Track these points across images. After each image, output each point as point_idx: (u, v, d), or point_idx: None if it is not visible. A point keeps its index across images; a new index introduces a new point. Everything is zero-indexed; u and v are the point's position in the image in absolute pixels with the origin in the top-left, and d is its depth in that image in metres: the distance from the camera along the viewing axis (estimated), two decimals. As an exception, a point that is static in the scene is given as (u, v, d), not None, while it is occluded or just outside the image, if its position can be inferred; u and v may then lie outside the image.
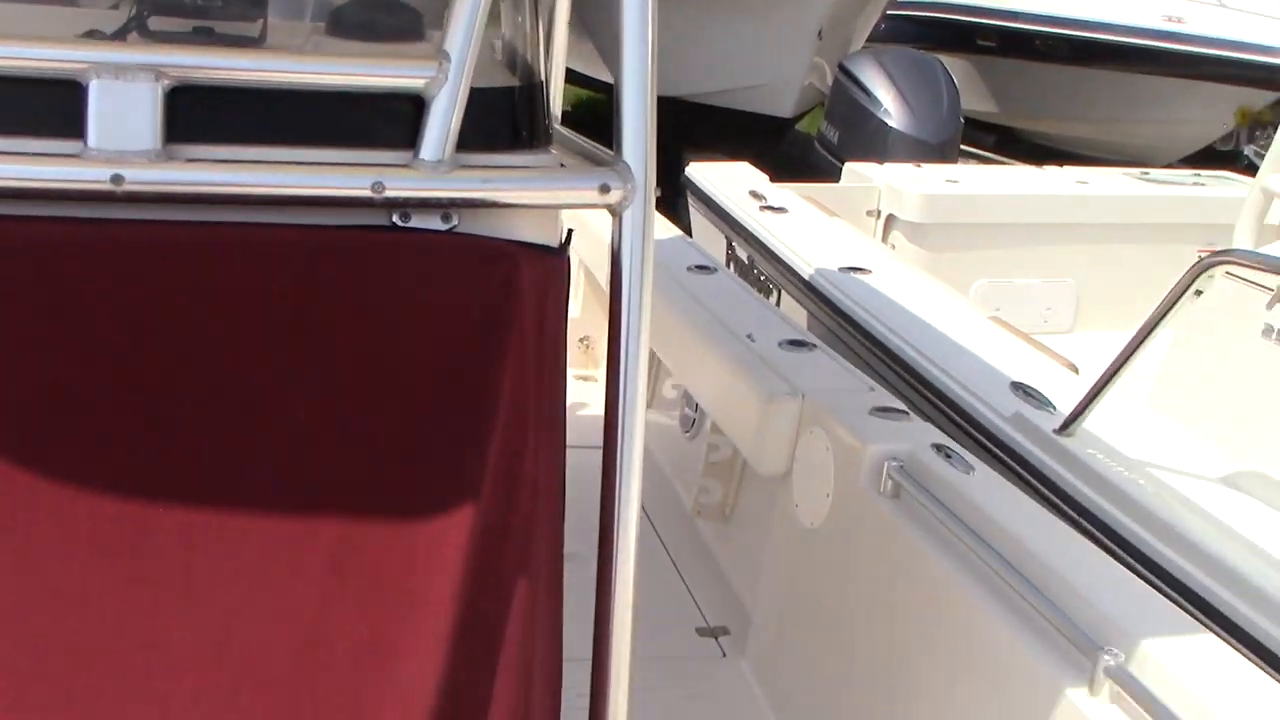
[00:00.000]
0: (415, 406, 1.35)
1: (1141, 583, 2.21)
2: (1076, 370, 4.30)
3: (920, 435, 2.92)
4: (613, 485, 1.63)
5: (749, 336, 3.61)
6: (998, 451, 3.48)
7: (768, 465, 3.30)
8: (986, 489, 2.62)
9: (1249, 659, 2.03)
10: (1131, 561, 2.77)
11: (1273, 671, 2.08)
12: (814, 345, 3.60)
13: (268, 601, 1.29)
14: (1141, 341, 3.29)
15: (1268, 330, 3.30)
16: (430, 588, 1.34)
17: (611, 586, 1.64)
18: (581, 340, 5.17)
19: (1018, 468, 3.33)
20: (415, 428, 1.35)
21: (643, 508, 4.49)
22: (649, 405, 5.00)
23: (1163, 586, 2.64)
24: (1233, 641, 2.07)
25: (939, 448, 2.82)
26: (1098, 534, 2.94)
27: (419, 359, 1.36)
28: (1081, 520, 2.98)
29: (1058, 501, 3.08)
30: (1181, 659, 1.94)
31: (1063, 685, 2.01)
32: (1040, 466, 3.25)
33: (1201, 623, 2.11)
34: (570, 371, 5.06)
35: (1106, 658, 1.94)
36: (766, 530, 3.45)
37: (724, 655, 3.52)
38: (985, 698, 2.25)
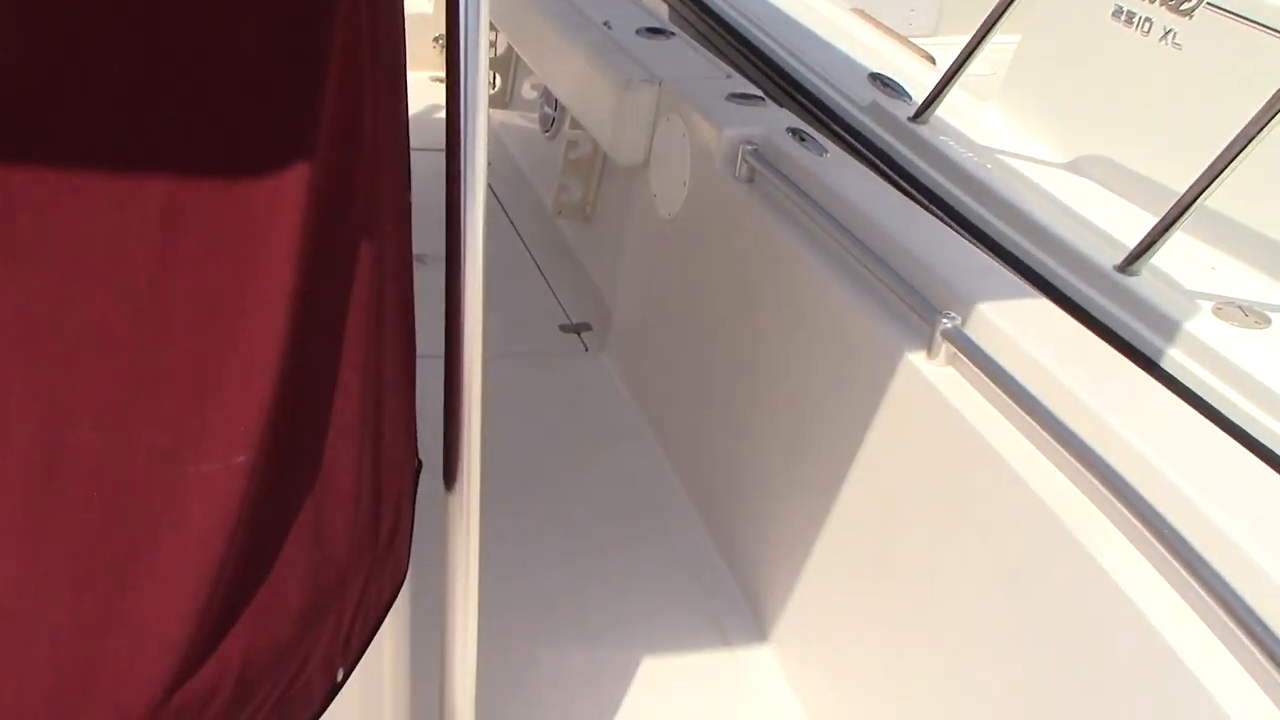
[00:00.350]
0: (246, 57, 1.28)
1: (982, 254, 2.29)
2: (934, 63, 4.31)
3: (776, 120, 2.91)
4: (458, 177, 1.60)
5: (605, 24, 3.50)
6: (852, 140, 3.51)
7: (625, 155, 3.28)
8: (839, 171, 2.65)
9: (1079, 322, 2.14)
10: (974, 240, 2.86)
11: (1098, 331, 2.20)
12: (672, 33, 3.53)
13: (97, 264, 1.25)
14: (992, 25, 3.29)
15: (1117, 12, 3.33)
16: (270, 249, 1.31)
17: (461, 284, 1.64)
18: (436, 40, 4.98)
19: (871, 155, 3.37)
20: (246, 79, 1.28)
21: (503, 210, 4.47)
22: (507, 105, 4.89)
23: (1003, 261, 2.74)
24: (1067, 308, 2.17)
25: (794, 132, 2.83)
26: (944, 216, 3.01)
27: (249, 7, 1.28)
28: (930, 204, 3.05)
29: (907, 186, 3.14)
30: (1016, 321, 2.03)
31: (903, 351, 2.10)
32: (892, 153, 3.29)
33: (1039, 291, 2.21)
34: (425, 73, 4.90)
35: (944, 321, 2.02)
36: (626, 225, 3.47)
37: (586, 350, 3.59)
38: (832, 366, 2.34)
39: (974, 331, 2.05)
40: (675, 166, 3.06)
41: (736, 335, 2.77)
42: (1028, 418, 1.86)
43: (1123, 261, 2.57)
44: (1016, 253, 2.72)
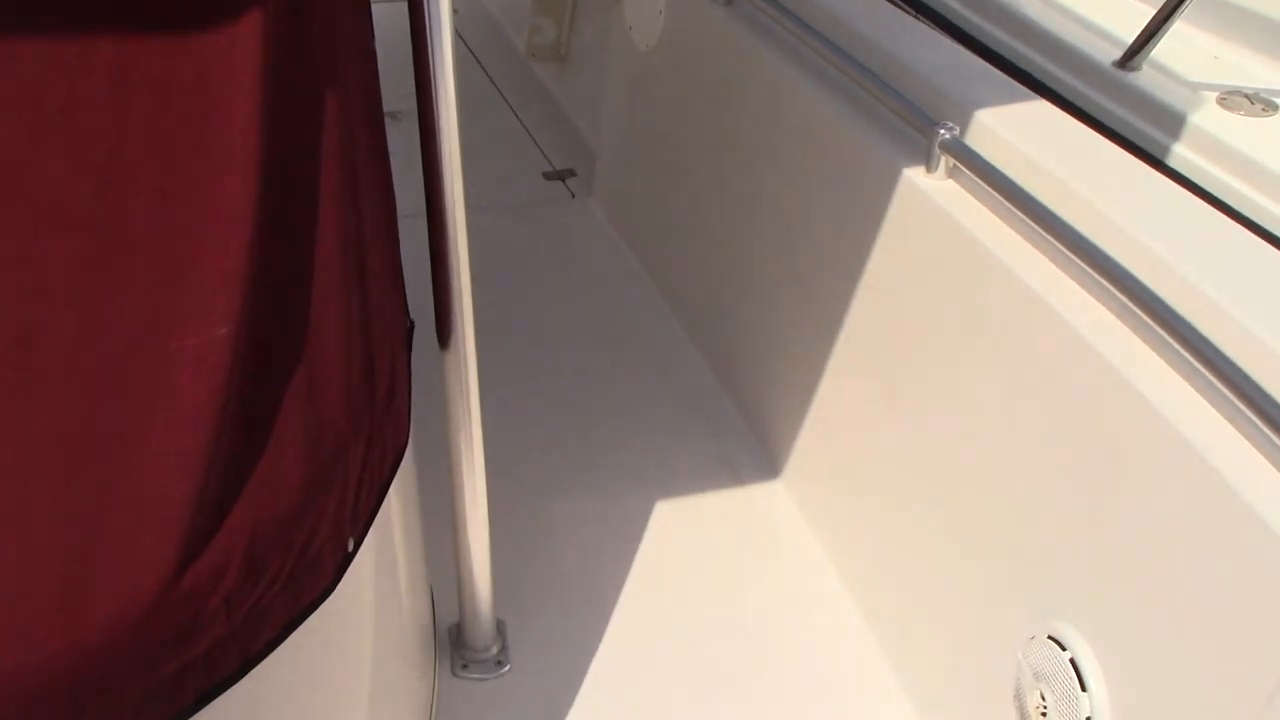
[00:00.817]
0: None
1: (977, 60, 2.19)
2: None
3: None
4: (423, 25, 1.51)
5: None
6: None
7: None
8: None
9: (1082, 124, 2.05)
10: (968, 46, 2.74)
11: (1102, 132, 2.12)
12: None
13: (49, 136, 1.17)
14: None
15: None
16: (230, 103, 1.23)
17: (436, 136, 1.58)
18: None
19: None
20: None
21: (474, 56, 4.32)
22: None
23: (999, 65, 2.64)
24: (1068, 110, 2.08)
25: None
26: (935, 24, 2.89)
27: None
28: (919, 12, 2.92)
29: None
30: (1016, 126, 1.94)
31: (901, 167, 2.02)
32: None
33: (1037, 94, 2.11)
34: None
35: (942, 132, 1.94)
36: (603, 63, 3.34)
37: (572, 196, 3.51)
38: (829, 191, 2.27)
39: (973, 140, 1.97)
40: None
41: (727, 168, 2.69)
42: (1034, 225, 1.80)
43: (1122, 57, 2.46)
44: (1012, 58, 2.61)
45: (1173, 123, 2.34)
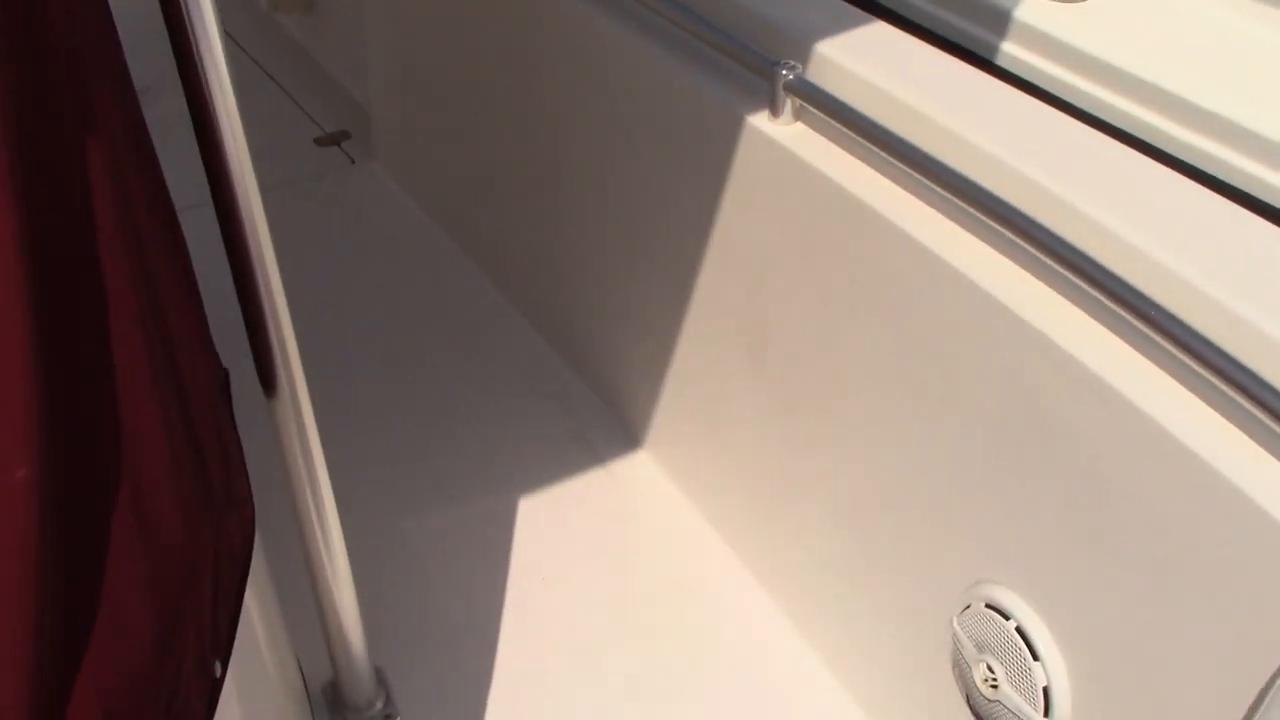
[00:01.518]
0: None
1: None
2: None
3: None
4: None
5: None
6: None
7: None
8: None
9: (930, 45, 1.92)
10: None
11: (940, 45, 1.99)
12: None
13: None
14: None
15: None
16: None
17: (213, 116, 1.34)
18: None
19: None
20: None
21: (219, 22, 3.87)
22: None
23: None
24: (915, 32, 1.94)
25: None
26: None
27: None
28: None
29: None
30: (860, 56, 1.79)
31: (742, 114, 1.85)
32: None
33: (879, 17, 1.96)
34: None
35: (784, 73, 1.77)
36: (359, 6, 3.02)
37: (353, 162, 3.20)
38: (660, 141, 2.08)
39: (817, 76, 1.81)
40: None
41: (531, 119, 2.45)
42: (894, 161, 1.66)
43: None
44: None
45: (999, 23, 2.24)
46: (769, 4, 1.92)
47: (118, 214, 1.12)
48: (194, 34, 1.34)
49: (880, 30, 1.87)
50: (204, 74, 1.34)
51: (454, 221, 2.88)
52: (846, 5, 1.95)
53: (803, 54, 1.82)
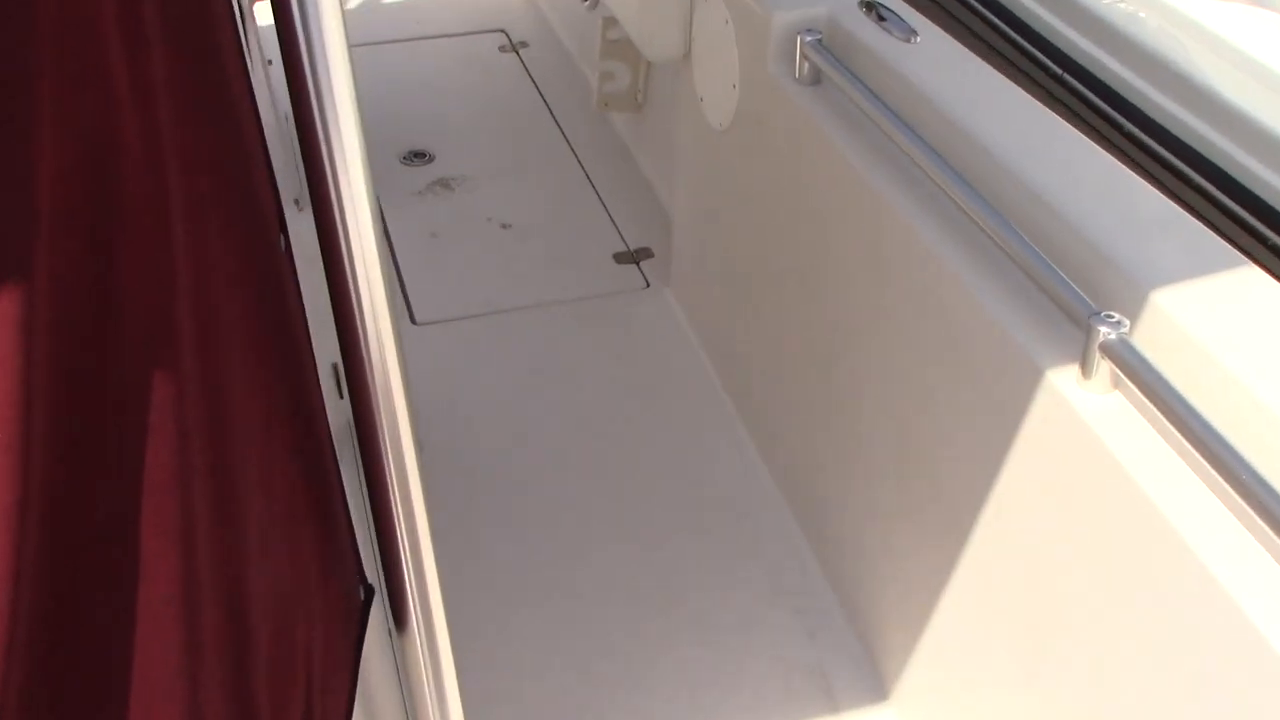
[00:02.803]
0: None
1: (1163, 198, 1.55)
2: None
3: None
4: (306, 86, 0.96)
5: None
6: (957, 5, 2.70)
7: (658, 49, 2.56)
8: (934, 65, 1.91)
9: None
10: (1154, 167, 2.07)
11: None
12: None
13: None
14: None
15: None
16: None
17: (347, 262, 1.01)
18: None
19: (981, 26, 2.55)
20: None
21: (544, 101, 3.71)
22: None
23: (1211, 217, 1.97)
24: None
25: (870, 6, 2.08)
26: (1104, 124, 2.21)
27: None
28: (1081, 104, 2.25)
29: (1041, 73, 2.34)
30: (1214, 320, 1.33)
31: (1043, 367, 1.42)
32: (1012, 19, 2.46)
33: (1258, 262, 1.48)
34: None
35: (1103, 329, 1.34)
36: (679, 126, 2.77)
37: (647, 285, 2.95)
38: (944, 358, 1.68)
39: (1148, 341, 1.36)
40: (721, 65, 2.35)
41: (818, 289, 2.10)
42: (1217, 474, 1.20)
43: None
44: (1222, 185, 1.93)
45: None
46: (1108, 226, 1.48)
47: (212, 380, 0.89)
48: (326, 131, 0.99)
49: (1256, 281, 1.39)
50: (335, 183, 1.01)
51: (732, 373, 2.56)
52: (1209, 234, 1.47)
53: (1134, 304, 1.38)
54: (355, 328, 1.05)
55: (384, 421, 1.11)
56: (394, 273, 2.97)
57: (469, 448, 2.49)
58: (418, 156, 3.43)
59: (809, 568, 2.21)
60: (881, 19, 2.03)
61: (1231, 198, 1.98)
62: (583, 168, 3.37)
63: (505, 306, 2.87)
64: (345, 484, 1.18)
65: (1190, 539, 1.24)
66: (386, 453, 1.14)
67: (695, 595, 2.17)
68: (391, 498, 1.15)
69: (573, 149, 3.45)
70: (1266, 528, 1.17)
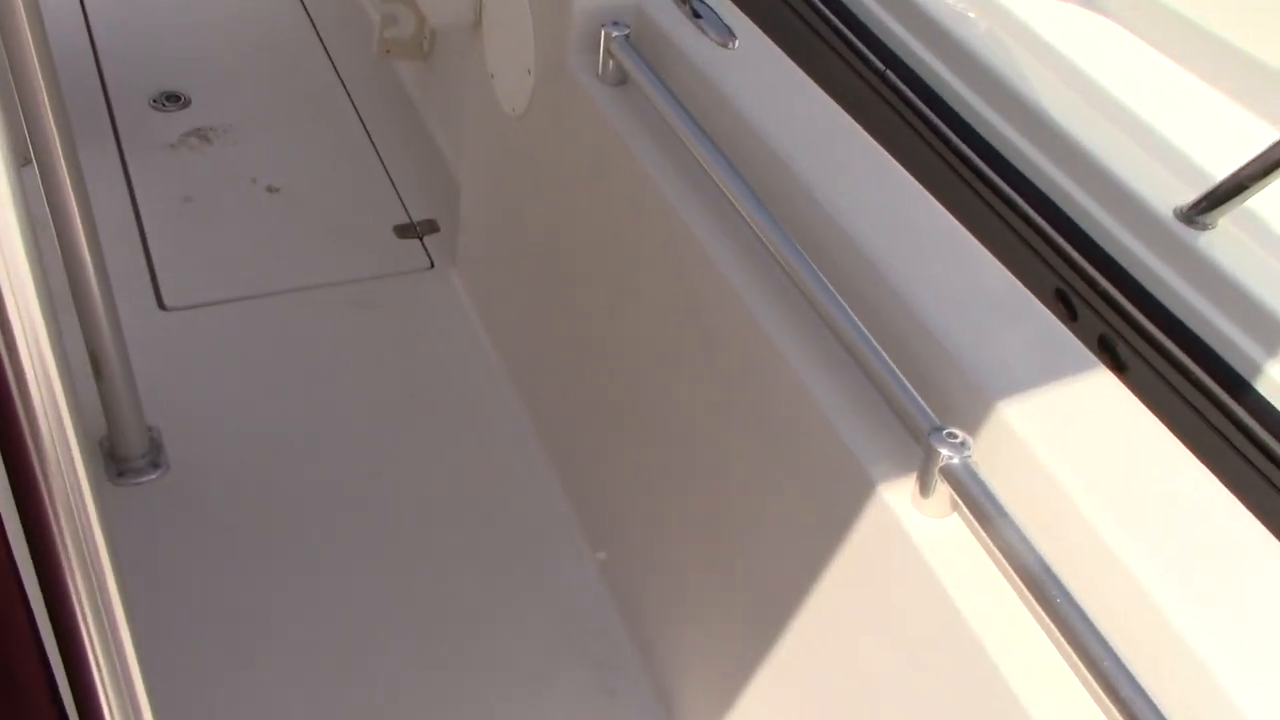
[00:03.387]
0: None
1: (1013, 281, 1.39)
2: None
3: None
4: None
5: None
6: None
7: (442, 11, 2.27)
8: (753, 76, 1.70)
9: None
10: (992, 198, 1.90)
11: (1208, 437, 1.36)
12: None
13: None
14: None
15: None
16: None
17: None
18: None
19: (803, 20, 2.34)
20: None
21: (324, 46, 3.32)
22: None
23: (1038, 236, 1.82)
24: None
25: None
26: (937, 147, 2.03)
27: None
28: (903, 110, 2.05)
29: (870, 76, 2.13)
30: (1066, 441, 1.19)
31: (876, 481, 1.25)
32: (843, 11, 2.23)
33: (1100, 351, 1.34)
34: None
35: (944, 451, 1.17)
36: (470, 90, 2.48)
37: (431, 266, 2.67)
38: (758, 441, 1.50)
39: (992, 458, 1.20)
40: (515, 45, 2.07)
41: (616, 307, 1.89)
42: (1045, 615, 1.08)
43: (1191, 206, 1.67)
44: (1064, 215, 1.78)
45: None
46: (950, 312, 1.31)
47: None
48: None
49: (1101, 386, 1.25)
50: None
51: (526, 378, 2.33)
52: (1064, 334, 1.32)
53: (978, 412, 1.21)
54: None
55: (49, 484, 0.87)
56: (141, 246, 2.60)
57: (219, 463, 2.19)
58: (171, 100, 3.03)
59: (601, 603, 2.02)
60: (697, 15, 1.80)
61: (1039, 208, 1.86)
62: (362, 122, 3.04)
63: (270, 289, 2.55)
64: None
65: (1010, 677, 1.11)
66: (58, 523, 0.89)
67: (478, 642, 1.96)
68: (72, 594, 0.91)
69: (351, 99, 3.11)
70: (1089, 675, 1.06)
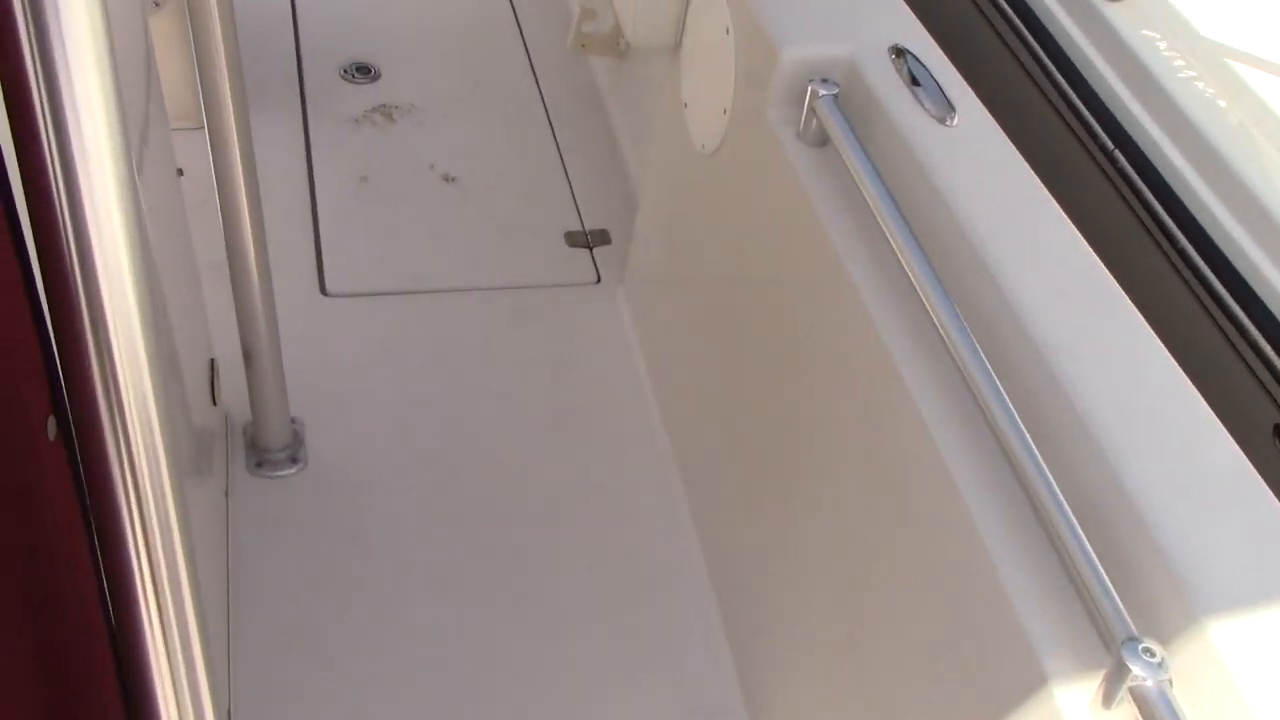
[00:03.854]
0: None
1: (1238, 454, 1.21)
2: None
3: (878, 27, 1.76)
4: None
5: None
6: (1014, 42, 2.27)
7: (641, 31, 2.15)
8: (972, 164, 1.54)
9: None
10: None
11: None
12: None
13: None
14: None
15: None
16: None
17: None
18: None
19: (1036, 94, 2.14)
20: None
21: (521, 35, 3.24)
22: None
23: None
24: None
25: (901, 54, 1.69)
26: (1154, 232, 1.82)
27: None
28: (1130, 199, 1.85)
29: (1097, 154, 1.94)
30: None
31: (1046, 672, 1.11)
32: (1093, 80, 2.02)
33: None
34: None
35: (1138, 669, 1.02)
36: (656, 120, 2.37)
37: (598, 280, 2.58)
38: (927, 579, 1.36)
39: (1190, 683, 1.04)
40: (714, 79, 1.95)
41: (780, 374, 1.76)
42: None
43: None
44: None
45: None
46: (1162, 489, 1.15)
47: None
48: None
49: None
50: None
51: (676, 411, 2.22)
52: None
53: (1180, 623, 1.06)
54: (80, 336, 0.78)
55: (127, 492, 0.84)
56: (312, 224, 2.57)
57: (355, 464, 2.15)
58: (361, 72, 2.99)
59: (729, 685, 1.91)
60: (916, 82, 1.64)
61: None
62: (548, 116, 2.96)
63: (433, 285, 2.49)
64: None
65: None
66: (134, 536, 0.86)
67: (587, 699, 1.87)
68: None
69: (540, 91, 3.02)
70: None
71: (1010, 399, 1.25)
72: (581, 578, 2.02)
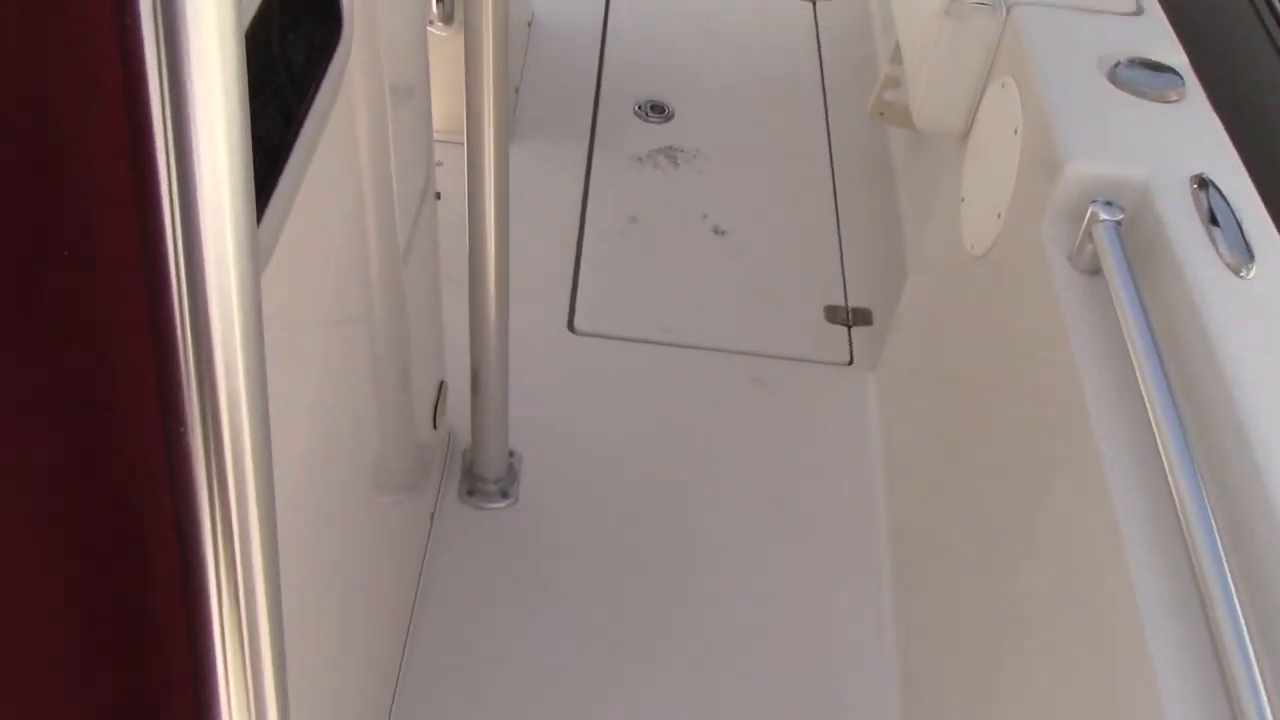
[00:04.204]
0: None
1: None
2: None
3: (1184, 151, 1.57)
4: None
5: None
6: None
7: (930, 116, 2.02)
8: (1265, 328, 1.34)
9: None
10: None
11: None
12: None
13: None
14: None
15: None
16: None
17: None
18: None
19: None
20: None
21: (823, 94, 3.14)
22: None
23: None
24: None
25: (1205, 185, 1.50)
26: None
27: None
28: None
29: None
30: None
31: None
32: None
33: None
34: None
35: None
36: (936, 207, 2.23)
37: (850, 361, 2.45)
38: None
39: None
40: (994, 178, 1.80)
41: (1015, 492, 1.59)
42: None
43: None
44: None
45: None
46: None
47: None
48: None
49: None
50: None
51: (906, 514, 2.07)
52: None
53: None
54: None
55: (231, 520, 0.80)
56: (575, 258, 2.57)
57: (566, 511, 2.12)
58: (655, 110, 2.98)
59: None
60: (1215, 221, 1.44)
61: None
62: (834, 180, 2.85)
63: (680, 339, 2.44)
64: None
65: None
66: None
67: None
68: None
69: (831, 153, 2.92)
70: None
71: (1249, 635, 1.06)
72: (762, 678, 1.91)
